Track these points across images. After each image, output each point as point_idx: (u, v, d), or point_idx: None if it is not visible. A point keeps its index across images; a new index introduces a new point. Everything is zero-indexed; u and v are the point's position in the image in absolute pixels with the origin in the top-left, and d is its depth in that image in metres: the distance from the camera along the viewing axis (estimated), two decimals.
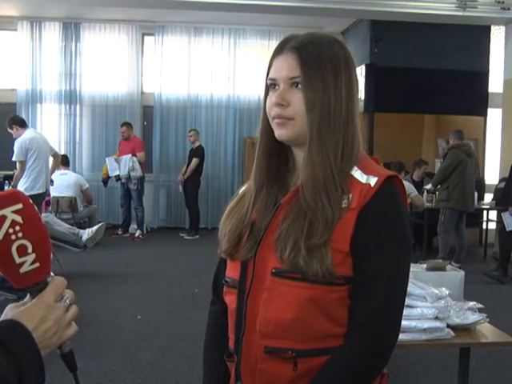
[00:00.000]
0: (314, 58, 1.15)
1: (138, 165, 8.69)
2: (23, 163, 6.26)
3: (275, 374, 1.16)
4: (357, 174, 1.16)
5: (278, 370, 1.15)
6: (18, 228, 0.82)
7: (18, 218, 0.83)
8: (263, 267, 1.16)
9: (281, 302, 1.13)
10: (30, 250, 0.84)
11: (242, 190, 1.32)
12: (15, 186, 6.33)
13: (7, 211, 0.82)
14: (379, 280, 1.12)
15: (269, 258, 1.15)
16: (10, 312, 0.87)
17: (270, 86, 1.20)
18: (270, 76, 1.20)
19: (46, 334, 0.85)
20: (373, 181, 1.14)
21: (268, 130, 1.21)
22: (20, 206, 0.83)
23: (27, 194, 5.03)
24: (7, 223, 0.82)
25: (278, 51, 1.19)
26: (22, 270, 0.84)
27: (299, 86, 1.15)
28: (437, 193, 7.38)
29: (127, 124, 8.93)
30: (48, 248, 0.88)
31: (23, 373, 0.79)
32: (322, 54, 1.15)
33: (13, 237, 0.82)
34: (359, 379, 1.14)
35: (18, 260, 0.83)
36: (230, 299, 1.23)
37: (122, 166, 8.68)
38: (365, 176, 1.15)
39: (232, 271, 1.23)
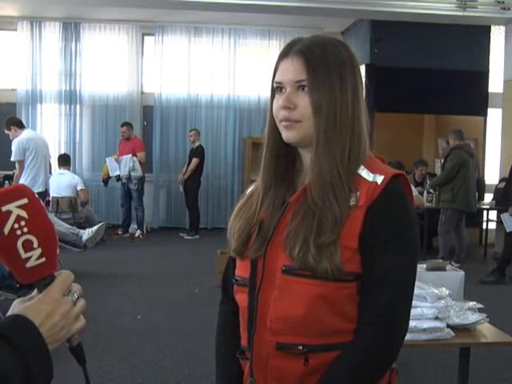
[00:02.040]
0: (319, 61, 1.16)
1: (139, 165, 8.69)
2: (21, 163, 6.30)
3: (286, 370, 1.18)
4: (363, 172, 1.18)
5: (289, 366, 1.17)
6: (23, 223, 0.82)
7: (23, 213, 0.82)
8: (273, 265, 1.18)
9: (291, 299, 1.16)
10: (35, 245, 0.84)
11: (249, 190, 1.33)
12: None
13: (12, 206, 0.82)
14: (387, 277, 1.14)
15: (278, 256, 1.17)
16: (16, 307, 0.86)
17: (277, 89, 1.21)
18: (276, 79, 1.21)
19: (53, 328, 0.85)
20: (379, 179, 1.16)
21: (275, 131, 1.23)
22: (25, 200, 0.83)
23: None
24: (12, 218, 0.82)
25: (284, 54, 1.21)
26: (28, 265, 0.84)
27: (305, 88, 1.17)
28: (436, 193, 7.35)
29: (127, 124, 8.93)
30: (54, 243, 0.88)
31: (30, 368, 0.79)
32: (328, 57, 1.17)
33: (18, 232, 0.82)
34: (369, 375, 1.16)
35: (23, 255, 0.83)
36: (241, 297, 1.25)
37: (122, 166, 8.67)
38: (371, 174, 1.17)
39: (242, 270, 1.25)
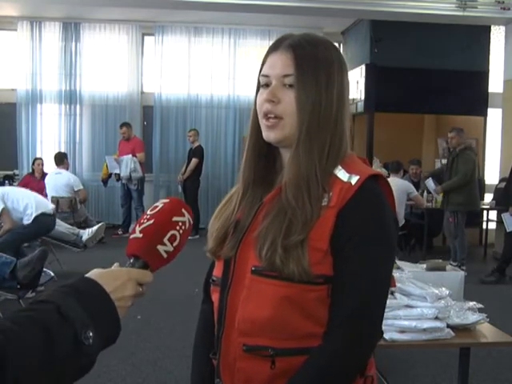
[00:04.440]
0: (309, 59, 1.15)
1: (139, 165, 8.69)
2: (5, 212, 5.42)
3: (253, 373, 1.15)
4: (340, 173, 1.15)
5: (256, 369, 1.15)
6: (183, 227, 1.04)
7: (187, 225, 1.05)
8: (243, 265, 1.16)
9: (258, 300, 1.14)
10: (176, 242, 1.02)
11: (233, 189, 1.32)
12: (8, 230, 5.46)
13: (188, 216, 1.06)
14: (357, 280, 1.10)
15: (249, 256, 1.15)
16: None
17: (262, 83, 1.20)
18: (262, 72, 1.21)
19: (120, 300, 0.92)
20: (354, 179, 1.13)
21: (258, 129, 1.21)
22: (189, 217, 1.06)
23: (35, 215, 5.09)
24: (187, 219, 1.05)
25: (273, 48, 1.20)
26: (160, 247, 1.00)
27: (292, 84, 1.15)
28: (440, 194, 7.25)
29: (127, 124, 8.92)
30: (177, 252, 1.04)
31: (94, 320, 0.85)
32: (317, 56, 1.16)
33: (177, 227, 1.02)
34: (338, 379, 1.12)
35: (166, 240, 1.01)
36: (215, 297, 1.24)
37: (123, 166, 8.65)
38: (347, 175, 1.15)
39: (217, 270, 1.25)
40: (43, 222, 5.55)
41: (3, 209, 5.39)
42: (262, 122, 1.18)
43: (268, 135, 1.17)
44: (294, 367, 1.12)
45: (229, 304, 1.17)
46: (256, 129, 1.21)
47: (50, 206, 5.77)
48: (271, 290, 1.12)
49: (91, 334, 0.83)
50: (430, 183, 7.31)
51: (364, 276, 1.11)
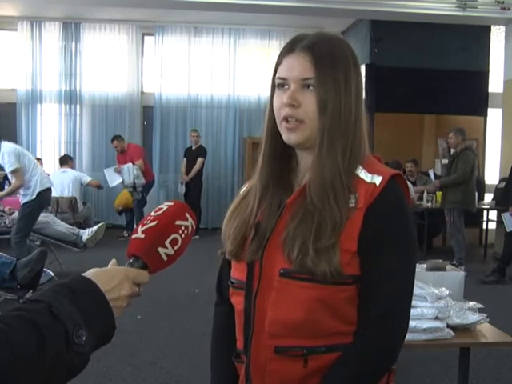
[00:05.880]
0: (327, 59, 1.14)
1: (140, 172, 8.61)
2: (20, 171, 5.76)
3: (286, 374, 1.16)
4: (362, 173, 1.16)
5: (289, 369, 1.15)
6: (186, 232, 1.04)
7: (190, 229, 1.05)
8: (271, 268, 1.15)
9: (289, 303, 1.14)
10: (177, 246, 1.02)
11: (243, 190, 1.31)
12: (13, 194, 6.27)
13: (191, 221, 1.05)
14: (386, 279, 1.12)
15: (276, 258, 1.15)
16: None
17: (278, 85, 1.18)
18: (279, 75, 1.17)
19: (116, 300, 0.92)
20: (377, 180, 1.14)
21: (274, 131, 1.19)
22: (192, 222, 1.05)
23: (39, 190, 5.63)
24: (190, 224, 1.05)
25: (289, 50, 1.17)
26: (161, 250, 1.00)
27: (311, 87, 1.14)
28: (437, 193, 7.29)
29: (117, 137, 8.75)
30: (179, 255, 1.04)
31: (87, 319, 0.85)
32: (334, 55, 1.15)
33: (180, 231, 1.02)
34: (369, 377, 1.15)
35: (167, 243, 1.01)
36: (237, 300, 1.23)
37: (125, 174, 8.54)
38: (369, 175, 1.15)
39: (238, 272, 1.23)
40: (45, 197, 5.97)
41: (19, 168, 5.78)
42: (282, 125, 1.16)
43: (289, 137, 1.16)
44: (325, 365, 1.14)
45: (257, 307, 1.16)
46: (272, 131, 1.20)
47: (51, 181, 6.34)
48: (303, 292, 1.12)
49: (83, 333, 0.83)
50: (431, 174, 7.36)
51: (393, 277, 1.13)
